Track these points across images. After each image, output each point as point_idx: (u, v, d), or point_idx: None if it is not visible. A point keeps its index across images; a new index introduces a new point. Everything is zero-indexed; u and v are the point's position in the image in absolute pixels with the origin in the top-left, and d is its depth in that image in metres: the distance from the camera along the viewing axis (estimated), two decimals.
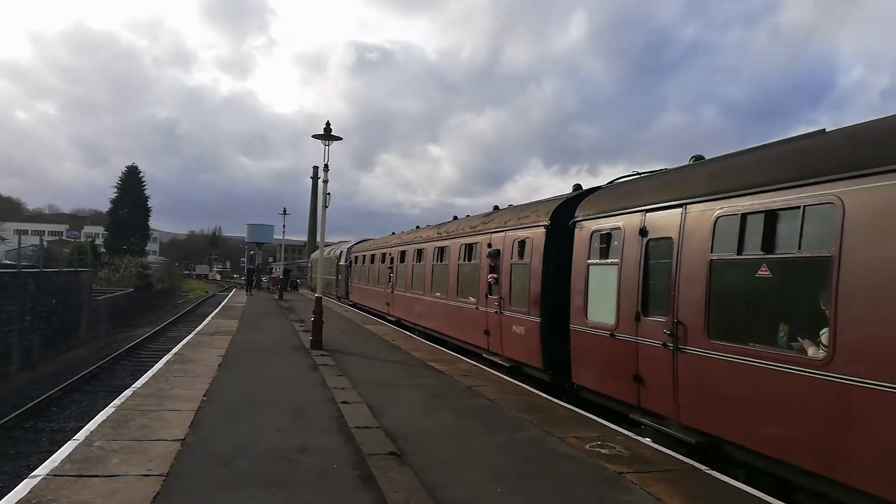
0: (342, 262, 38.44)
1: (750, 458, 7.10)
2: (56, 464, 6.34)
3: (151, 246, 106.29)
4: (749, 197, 7.17)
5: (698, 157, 9.50)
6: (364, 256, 33.17)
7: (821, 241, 6.32)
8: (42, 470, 6.18)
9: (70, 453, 6.69)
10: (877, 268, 5.72)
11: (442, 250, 19.09)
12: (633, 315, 9.09)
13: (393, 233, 30.88)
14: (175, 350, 14.92)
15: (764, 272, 6.86)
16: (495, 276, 14.26)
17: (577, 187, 13.01)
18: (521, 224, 13.65)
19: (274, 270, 64.28)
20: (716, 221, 7.58)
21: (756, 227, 7.03)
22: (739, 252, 7.20)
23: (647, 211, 9.09)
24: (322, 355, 14.81)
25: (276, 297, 40.44)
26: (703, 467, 7.18)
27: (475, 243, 16.24)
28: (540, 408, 10.09)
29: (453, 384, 11.97)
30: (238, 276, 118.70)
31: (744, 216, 7.16)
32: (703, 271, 7.68)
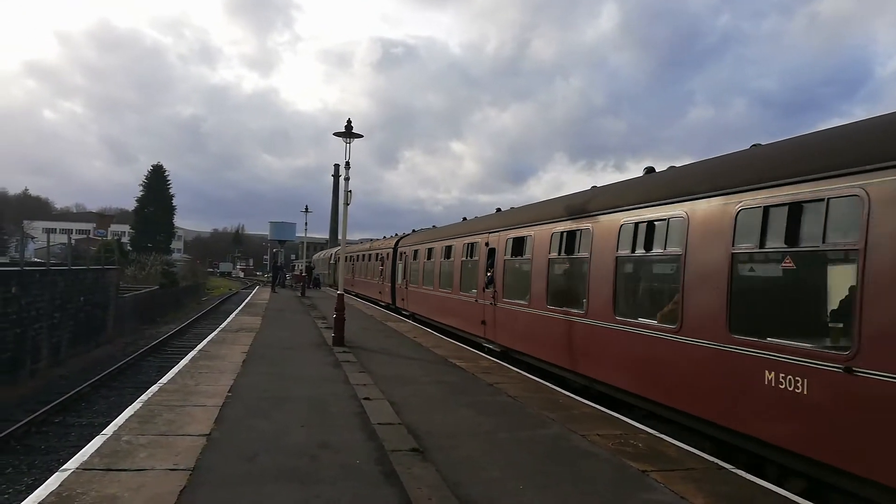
0: (332, 262, 55.89)
1: (421, 317, 24.20)
2: (85, 458, 6.46)
3: (176, 244, 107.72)
4: (430, 243, 23.58)
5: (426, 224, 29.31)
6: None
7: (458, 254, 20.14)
8: (72, 464, 6.29)
9: (99, 447, 6.81)
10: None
11: (369, 256, 37.66)
12: (403, 280, 27.65)
13: (361, 241, 50.74)
14: (200, 347, 15.10)
15: (422, 264, 24.39)
16: (381, 268, 32.80)
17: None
18: (386, 247, 32.34)
19: (296, 268, 65.07)
20: (407, 251, 27.54)
21: (434, 251, 22.69)
22: (413, 259, 25.87)
23: (405, 246, 28.05)
24: (344, 352, 14.90)
25: (299, 294, 40.75)
26: (728, 465, 7.10)
27: (378, 253, 34.60)
28: (562, 405, 10.05)
29: (474, 381, 11.97)
30: (261, 273, 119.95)
31: (418, 249, 25.34)
32: (409, 265, 26.52)
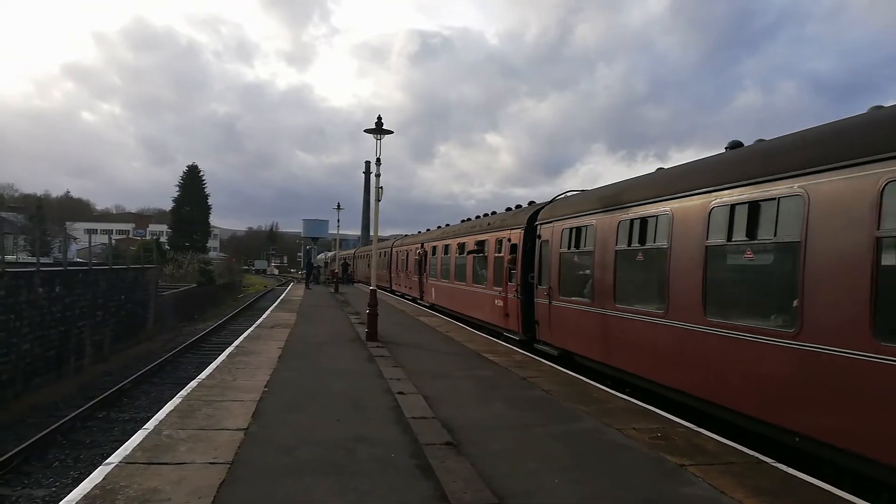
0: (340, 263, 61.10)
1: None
2: (128, 452, 6.61)
3: (212, 242, 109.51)
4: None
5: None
6: (351, 257, 64.08)
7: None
8: (115, 458, 6.44)
9: (140, 442, 6.96)
10: None
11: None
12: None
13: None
14: (237, 343, 15.34)
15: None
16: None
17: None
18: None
19: (328, 265, 65.94)
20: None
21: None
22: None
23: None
24: (377, 347, 14.99)
25: (332, 290, 41.16)
26: (768, 460, 6.95)
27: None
28: (596, 399, 9.96)
29: (508, 375, 11.94)
30: (295, 270, 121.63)
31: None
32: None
